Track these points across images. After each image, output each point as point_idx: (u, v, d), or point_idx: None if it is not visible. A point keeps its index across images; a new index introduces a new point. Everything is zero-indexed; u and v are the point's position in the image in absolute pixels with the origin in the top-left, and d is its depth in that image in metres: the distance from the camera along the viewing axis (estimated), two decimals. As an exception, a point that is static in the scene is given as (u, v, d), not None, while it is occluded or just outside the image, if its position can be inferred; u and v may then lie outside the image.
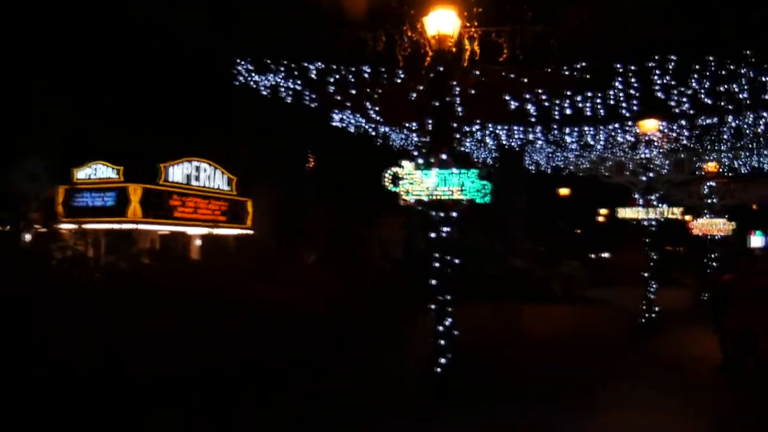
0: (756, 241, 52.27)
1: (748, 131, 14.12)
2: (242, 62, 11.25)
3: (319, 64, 10.47)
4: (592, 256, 40.89)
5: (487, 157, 17.98)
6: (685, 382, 10.42)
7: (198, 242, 22.92)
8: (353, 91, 10.40)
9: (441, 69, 8.37)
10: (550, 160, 18.65)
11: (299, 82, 11.51)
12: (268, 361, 7.52)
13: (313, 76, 10.93)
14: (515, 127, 14.55)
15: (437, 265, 8.54)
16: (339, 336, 9.50)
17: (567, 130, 14.72)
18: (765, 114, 12.84)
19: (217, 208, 24.34)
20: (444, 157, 8.31)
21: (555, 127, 13.88)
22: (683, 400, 9.09)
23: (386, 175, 8.65)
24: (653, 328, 15.44)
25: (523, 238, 21.09)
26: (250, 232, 25.12)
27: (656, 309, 15.71)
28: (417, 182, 8.42)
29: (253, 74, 11.70)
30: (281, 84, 12.09)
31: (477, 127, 13.98)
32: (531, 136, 15.15)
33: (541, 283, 16.06)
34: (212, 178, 24.17)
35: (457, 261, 8.73)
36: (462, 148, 17.97)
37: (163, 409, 6.74)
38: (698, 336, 13.90)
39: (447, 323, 8.58)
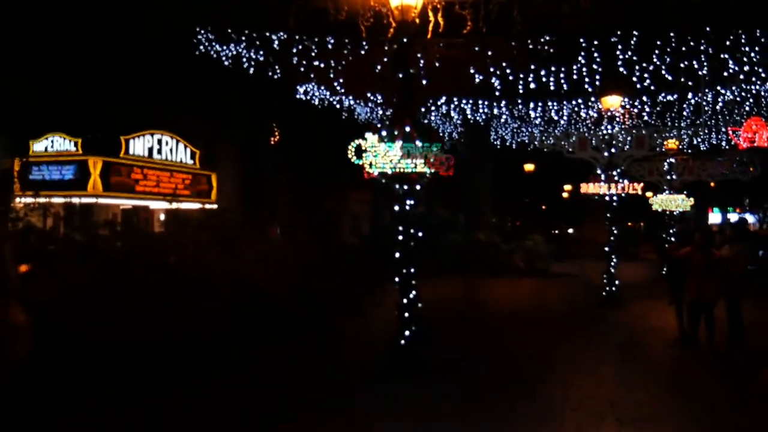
0: (713, 217, 53.68)
1: (707, 108, 14.36)
2: (203, 31, 10.95)
3: (282, 34, 10.25)
4: (555, 231, 41.49)
5: (453, 131, 17.95)
6: (643, 353, 10.68)
7: (161, 216, 22.54)
8: (317, 63, 10.23)
9: (404, 40, 8.28)
10: (515, 135, 18.72)
11: (262, 52, 11.28)
12: (221, 331, 7.45)
13: (275, 46, 10.72)
14: (480, 101, 14.55)
15: (401, 238, 8.54)
16: (301, 307, 9.47)
17: (531, 105, 14.77)
18: (723, 91, 13.06)
19: (180, 182, 23.92)
20: (408, 129, 8.25)
21: (520, 101, 13.90)
22: (641, 372, 9.31)
23: (350, 147, 8.58)
24: (614, 302, 15.77)
25: (488, 213, 21.23)
26: (215, 206, 24.80)
27: (617, 283, 16.03)
28: (381, 155, 8.36)
29: (214, 44, 11.41)
30: (243, 54, 11.83)
31: (442, 100, 13.92)
32: (496, 111, 15.16)
33: (506, 256, 16.23)
34: (175, 151, 23.69)
35: (420, 234, 8.74)
36: (428, 122, 17.94)
37: (101, 379, 6.66)
38: (657, 309, 14.23)
39: (411, 296, 8.61)
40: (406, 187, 8.51)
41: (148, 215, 23.14)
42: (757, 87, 12.82)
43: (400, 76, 8.37)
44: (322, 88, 13.54)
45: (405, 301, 8.53)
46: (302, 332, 9.98)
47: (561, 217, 46.33)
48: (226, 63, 11.98)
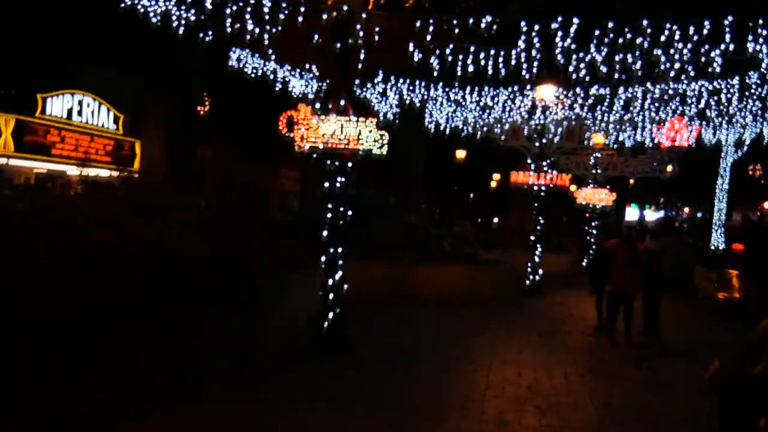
0: (631, 213, 56.00)
1: (636, 104, 14.71)
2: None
3: (215, -7, 9.66)
4: (481, 219, 42.14)
5: (388, 111, 17.69)
6: (562, 341, 10.87)
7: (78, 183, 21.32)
8: (251, 27, 9.70)
9: (344, 9, 7.94)
10: (449, 120, 18.67)
11: (193, 11, 10.61)
12: (133, 300, 6.96)
13: (208, 5, 10.10)
14: (417, 82, 14.34)
15: (329, 216, 8.26)
16: (223, 279, 9.04)
17: (468, 89, 14.69)
18: (652, 87, 13.38)
19: (101, 147, 22.61)
20: (342, 103, 7.95)
21: (456, 84, 13.80)
22: (560, 358, 9.44)
23: (281, 119, 8.19)
24: (537, 290, 16.06)
25: (419, 197, 21.17)
26: (137, 174, 23.67)
27: (540, 272, 16.32)
28: (313, 128, 8.03)
29: (140, -1, 10.66)
30: (173, 12, 11.11)
31: (379, 78, 13.64)
32: (432, 93, 15.01)
33: (436, 241, 16.19)
34: (97, 114, 22.34)
35: (351, 213, 8.48)
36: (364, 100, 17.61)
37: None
38: (577, 299, 14.58)
39: (337, 277, 8.36)
40: (337, 164, 8.22)
41: (66, 181, 21.84)
42: (685, 85, 13.21)
43: (338, 46, 8.04)
44: (256, 56, 12.96)
45: (330, 281, 8.28)
46: (223, 305, 9.55)
47: (490, 206, 47.11)
48: (153, 20, 11.20)
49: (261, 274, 11.17)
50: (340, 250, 8.36)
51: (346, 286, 8.46)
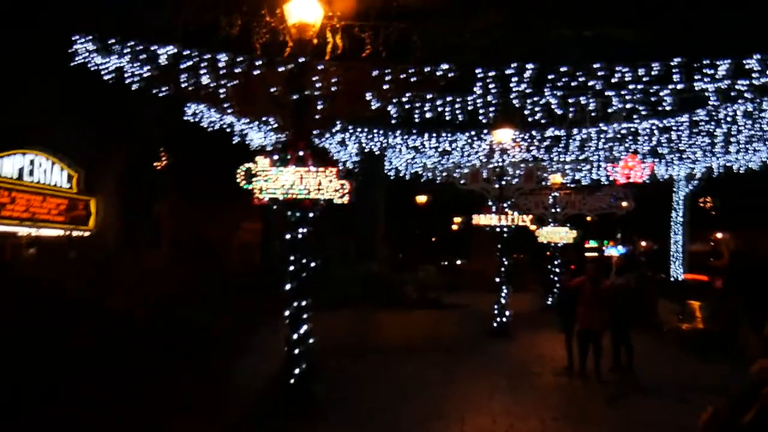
0: (591, 249, 56.79)
1: (591, 144, 15.04)
2: (82, 40, 10.03)
3: (171, 48, 9.58)
4: (446, 262, 42.18)
5: (348, 159, 17.71)
6: (534, 383, 10.71)
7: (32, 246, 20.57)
8: (206, 81, 9.63)
9: (301, 60, 7.91)
10: (409, 166, 18.78)
11: (147, 67, 10.50)
12: (80, 365, 6.59)
13: (162, 61, 10.01)
14: (376, 130, 14.40)
15: (292, 268, 8.05)
16: (178, 340, 8.68)
17: (426, 136, 14.82)
18: (606, 128, 13.72)
19: (53, 207, 21.95)
20: (301, 153, 7.84)
21: (415, 131, 13.89)
22: (533, 401, 9.28)
23: (239, 171, 8.02)
24: (505, 332, 15.94)
25: (381, 244, 21.07)
26: (92, 233, 22.99)
27: (507, 313, 16.24)
28: (272, 179, 7.88)
29: (94, 55, 10.50)
30: (127, 69, 10.98)
31: (338, 127, 13.64)
32: (391, 140, 15.08)
33: (398, 288, 16.05)
34: (49, 173, 21.75)
35: (313, 264, 8.29)
36: (327, 151, 17.59)
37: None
38: (545, 338, 14.49)
39: (302, 331, 8.10)
40: (298, 214, 8.06)
41: (17, 242, 21.06)
42: (637, 124, 13.57)
43: (295, 97, 7.98)
44: (212, 110, 12.87)
45: (295, 336, 8.01)
46: (182, 366, 9.16)
47: (452, 249, 47.27)
48: (107, 77, 11.06)
49: (222, 331, 10.84)
50: (304, 302, 8.12)
51: (311, 340, 8.20)
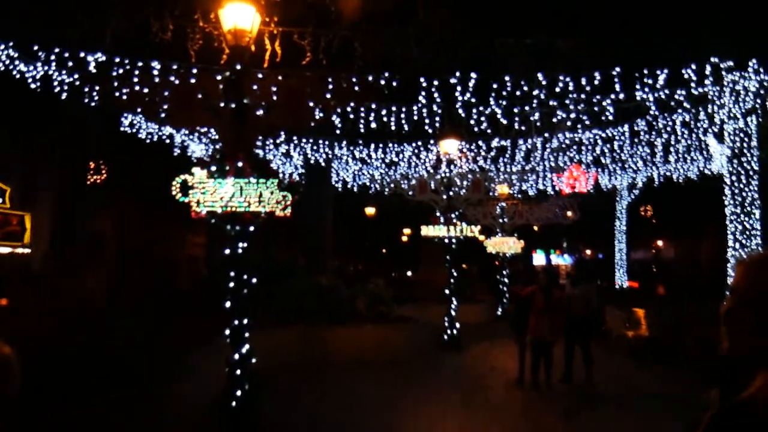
0: (537, 258, 57.80)
1: (536, 154, 15.13)
2: (2, 46, 9.42)
3: (99, 54, 9.09)
4: (395, 274, 42.07)
5: (294, 171, 17.34)
6: (487, 396, 10.54)
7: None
8: (139, 89, 9.16)
9: (238, 67, 7.58)
10: (356, 178, 18.55)
11: (76, 75, 9.95)
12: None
13: (92, 69, 9.49)
14: (321, 141, 14.11)
15: (232, 285, 7.66)
16: (109, 364, 8.15)
17: (372, 147, 14.62)
18: (551, 138, 13.81)
19: (-17, 223, 20.81)
20: (240, 164, 7.48)
21: (360, 141, 13.67)
22: (487, 415, 9.10)
23: (174, 183, 7.60)
24: (455, 345, 15.78)
25: (330, 256, 20.72)
26: (27, 250, 21.86)
27: (457, 326, 16.10)
28: (210, 192, 7.48)
29: (17, 62, 9.89)
30: (55, 77, 10.39)
31: (282, 138, 13.29)
32: (337, 151, 14.82)
33: (348, 302, 15.73)
34: (-21, 188, 20.63)
35: (255, 280, 7.90)
36: (269, 162, 17.18)
37: None
38: (496, 350, 14.40)
39: (243, 351, 7.69)
40: (238, 228, 7.68)
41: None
42: (580, 134, 13.71)
43: (233, 106, 7.63)
44: (149, 121, 12.34)
45: (237, 356, 7.59)
46: (119, 392, 8.61)
47: (401, 260, 47.21)
48: (32, 85, 10.43)
49: (163, 352, 10.31)
50: (245, 321, 7.73)
51: (254, 360, 7.80)
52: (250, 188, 7.47)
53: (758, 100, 11.57)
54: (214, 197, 7.46)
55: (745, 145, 12.98)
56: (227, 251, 7.68)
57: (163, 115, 10.37)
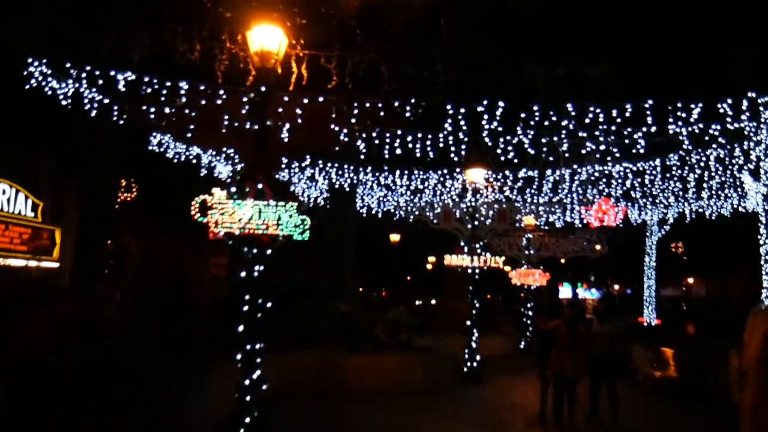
0: (564, 291, 56.88)
1: (564, 186, 14.87)
2: (36, 62, 9.58)
3: (129, 74, 9.18)
4: (419, 302, 41.69)
5: (318, 195, 17.33)
6: (503, 433, 10.21)
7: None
8: (168, 109, 9.22)
9: (263, 89, 7.55)
10: (381, 204, 18.46)
11: (105, 93, 10.05)
12: None
13: (121, 87, 9.58)
14: (345, 165, 14.06)
15: (246, 308, 7.54)
16: (123, 382, 8.05)
17: (398, 173, 14.50)
18: (579, 169, 13.55)
19: (16, 236, 21.12)
20: (260, 186, 7.41)
21: (386, 167, 13.59)
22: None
23: (194, 203, 7.56)
24: (476, 378, 15.42)
25: (351, 281, 20.55)
26: (56, 264, 22.13)
27: (478, 358, 15.75)
28: (228, 213, 7.41)
29: (49, 79, 10.05)
30: (85, 94, 10.52)
31: (307, 162, 13.28)
32: (362, 177, 14.73)
33: (367, 328, 15.48)
34: (13, 201, 20.96)
35: (270, 304, 7.77)
36: (293, 186, 17.20)
37: None
38: (518, 384, 14.01)
39: (254, 376, 7.54)
40: (255, 251, 7.58)
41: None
42: (610, 167, 13.44)
43: (256, 127, 7.59)
44: (176, 141, 12.42)
45: (247, 381, 7.44)
46: (117, 411, 8.50)
47: (425, 289, 46.80)
48: (64, 102, 10.57)
49: (175, 371, 10.20)
50: (258, 345, 7.59)
51: (265, 387, 7.63)
52: (268, 211, 7.38)
53: (796, 138, 11.22)
54: (232, 219, 7.39)
55: (781, 183, 12.57)
56: (243, 273, 7.58)
57: (189, 135, 10.45)
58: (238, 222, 7.38)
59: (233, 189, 7.47)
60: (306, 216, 7.50)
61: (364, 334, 15.11)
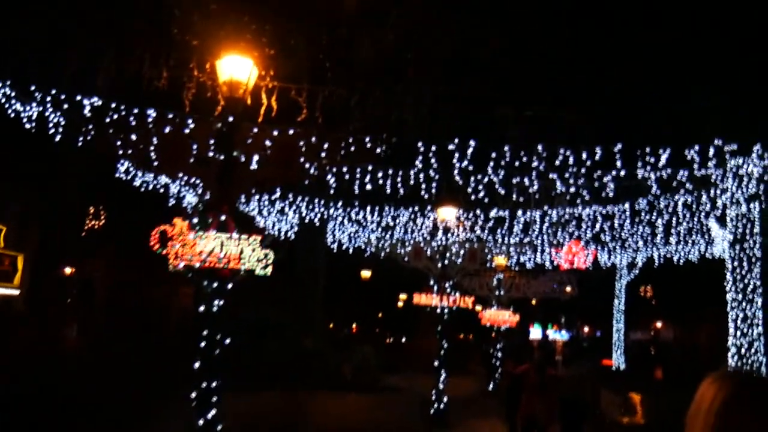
0: (534, 332, 56.89)
1: (535, 227, 14.87)
2: (0, 84, 9.33)
3: (95, 99, 8.97)
4: (388, 340, 41.27)
5: (289, 229, 17.08)
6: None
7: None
8: (134, 137, 8.99)
9: (231, 119, 7.40)
10: (352, 240, 18.28)
11: (70, 118, 9.80)
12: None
13: (87, 113, 9.35)
14: (316, 200, 13.88)
15: (203, 345, 7.24)
16: (71, 414, 7.64)
17: (368, 209, 14.37)
18: (549, 211, 13.57)
19: (-25, 262, 20.47)
20: (223, 218, 7.20)
21: (356, 203, 13.45)
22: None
23: (153, 233, 7.31)
24: (442, 420, 15.09)
25: (320, 318, 20.18)
26: (17, 292, 21.39)
27: (445, 399, 15.45)
28: (189, 245, 7.17)
29: (13, 101, 9.78)
30: (50, 119, 10.25)
31: (277, 194, 13.08)
32: (333, 212, 14.57)
33: (334, 367, 15.15)
34: (-27, 227, 20.38)
35: (229, 340, 7.49)
36: (263, 219, 16.94)
37: None
38: (485, 428, 13.73)
39: (209, 416, 7.21)
40: (215, 285, 7.32)
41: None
42: (580, 209, 13.48)
43: (221, 157, 7.41)
44: (139, 169, 12.13)
45: (201, 422, 7.10)
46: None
47: (396, 326, 46.41)
48: (27, 125, 10.28)
49: (129, 405, 9.77)
50: (215, 383, 7.27)
51: (220, 427, 7.29)
52: (231, 244, 7.16)
53: (762, 186, 11.39)
54: (193, 251, 7.14)
55: (747, 231, 12.72)
56: (201, 309, 7.30)
57: (156, 164, 10.20)
58: (199, 255, 7.14)
59: (195, 220, 7.25)
60: (270, 250, 7.29)
61: (330, 372, 14.81)
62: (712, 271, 16.89)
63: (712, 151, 9.56)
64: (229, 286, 7.37)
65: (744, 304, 12.65)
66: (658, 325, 54.99)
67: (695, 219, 14.89)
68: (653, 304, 54.24)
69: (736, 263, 12.85)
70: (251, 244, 7.21)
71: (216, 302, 7.33)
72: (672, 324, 51.26)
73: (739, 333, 12.72)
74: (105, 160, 13.70)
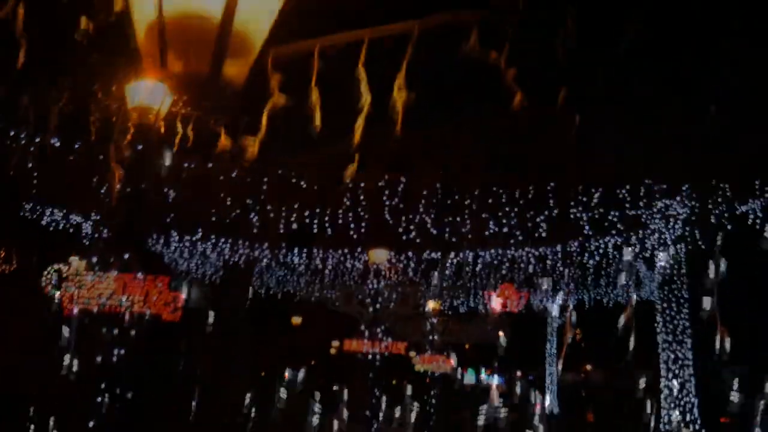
0: (468, 377, 56.50)
1: (468, 269, 14.62)
2: None
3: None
4: (321, 386, 39.92)
5: (213, 274, 16.19)
6: None
7: None
8: (34, 165, 8.17)
9: (140, 148, 6.77)
10: (281, 284, 17.53)
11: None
12: None
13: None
14: (240, 240, 13.15)
15: (100, 400, 6.41)
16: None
17: (296, 251, 13.76)
18: (482, 253, 13.36)
19: None
20: (127, 256, 6.49)
21: (283, 245, 12.83)
22: None
23: (46, 273, 6.52)
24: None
25: (245, 367, 19.09)
26: None
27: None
28: (87, 286, 6.40)
29: None
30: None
31: (199, 236, 12.30)
32: (258, 254, 13.85)
33: (256, 421, 14.18)
34: None
35: (131, 395, 6.68)
36: (184, 261, 15.98)
37: None
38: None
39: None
40: (116, 332, 6.55)
41: None
42: (513, 251, 13.33)
43: (128, 191, 6.73)
44: (47, 204, 11.16)
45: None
46: None
47: (329, 374, 45.10)
48: None
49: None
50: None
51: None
52: (135, 285, 6.44)
53: (687, 228, 11.54)
54: (90, 293, 6.38)
55: (675, 272, 12.85)
56: (98, 359, 6.50)
57: (63, 199, 9.36)
58: (98, 298, 6.38)
59: (94, 259, 6.50)
60: (179, 294, 6.61)
61: (254, 427, 13.81)
62: (641, 313, 17.03)
63: (642, 191, 9.60)
64: (133, 332, 6.62)
65: (674, 345, 12.66)
66: (588, 368, 55.70)
67: (624, 260, 14.98)
68: (583, 347, 55.00)
69: (665, 305, 12.90)
70: (158, 286, 6.51)
71: (116, 351, 6.55)
72: (602, 367, 51.95)
73: (671, 374, 12.68)
74: (9, 199, 12.62)
